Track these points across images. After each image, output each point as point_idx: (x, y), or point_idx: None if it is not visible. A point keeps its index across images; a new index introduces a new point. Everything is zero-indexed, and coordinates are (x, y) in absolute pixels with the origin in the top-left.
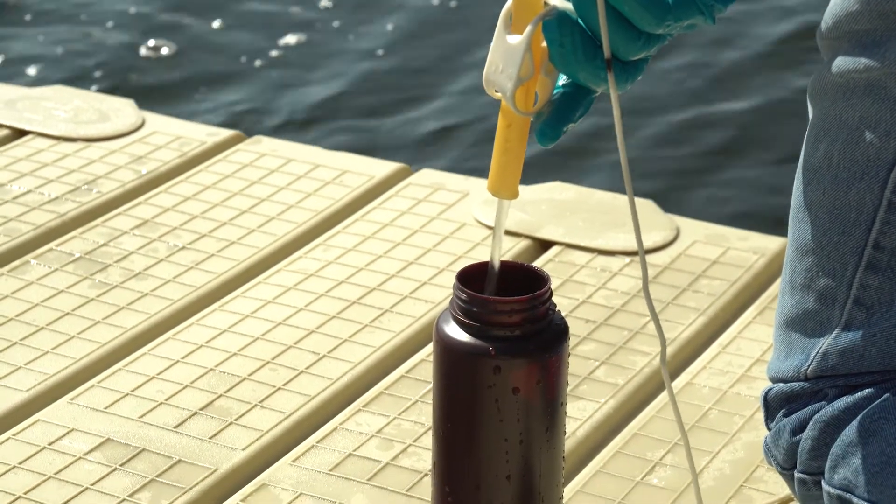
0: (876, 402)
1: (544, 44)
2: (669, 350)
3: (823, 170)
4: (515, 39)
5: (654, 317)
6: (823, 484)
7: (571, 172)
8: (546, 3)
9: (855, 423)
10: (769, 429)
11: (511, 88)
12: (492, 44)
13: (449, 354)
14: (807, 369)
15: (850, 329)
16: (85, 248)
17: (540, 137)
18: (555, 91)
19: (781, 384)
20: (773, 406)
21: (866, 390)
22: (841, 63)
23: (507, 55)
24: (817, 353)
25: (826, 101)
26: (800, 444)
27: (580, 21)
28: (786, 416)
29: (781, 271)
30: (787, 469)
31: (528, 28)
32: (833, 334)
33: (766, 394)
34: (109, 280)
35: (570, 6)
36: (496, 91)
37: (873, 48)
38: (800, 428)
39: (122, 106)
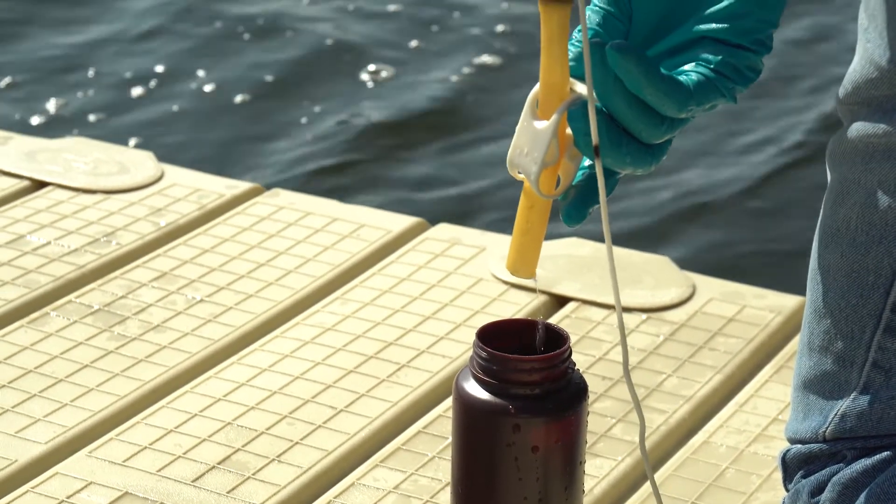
0: (894, 466)
1: (569, 130)
2: (686, 407)
3: (842, 233)
4: (542, 125)
5: (635, 401)
6: None
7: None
8: (572, 91)
9: (873, 485)
10: (787, 489)
11: (536, 172)
12: (517, 127)
13: (468, 412)
14: (825, 431)
15: (869, 392)
16: (104, 301)
17: (566, 219)
18: (579, 173)
19: (800, 445)
20: (792, 467)
21: (885, 453)
22: (860, 128)
23: (533, 139)
24: (835, 415)
25: (845, 166)
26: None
27: (604, 108)
28: (804, 477)
29: (798, 330)
30: None
31: (555, 116)
32: (851, 397)
33: (784, 455)
34: (128, 332)
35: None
36: (519, 173)
37: (892, 114)
38: (818, 490)
39: (142, 158)
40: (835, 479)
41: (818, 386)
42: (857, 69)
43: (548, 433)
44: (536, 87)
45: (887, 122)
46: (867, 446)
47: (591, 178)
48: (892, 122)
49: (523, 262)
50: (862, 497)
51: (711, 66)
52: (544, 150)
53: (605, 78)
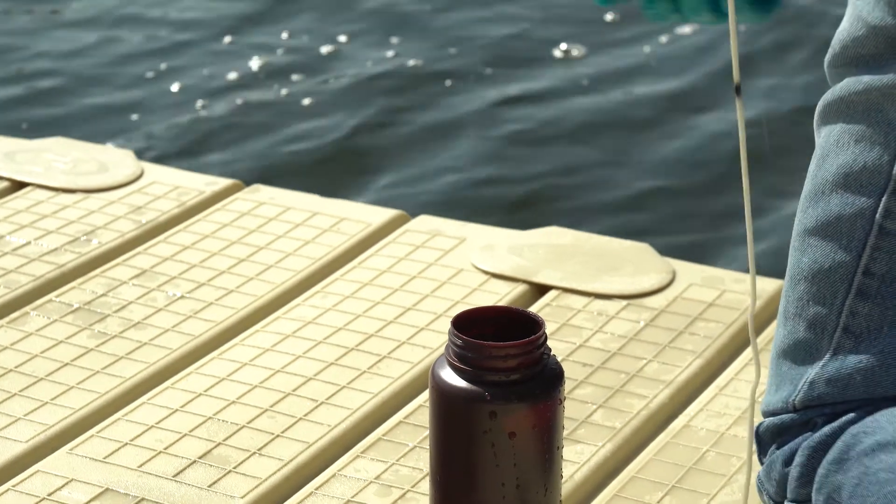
0: (855, 424)
1: None
2: (667, 392)
3: (818, 195)
4: None
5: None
6: None
7: (567, 217)
8: None
9: (837, 442)
10: (762, 463)
11: None
12: None
13: (445, 400)
14: (795, 399)
15: (837, 357)
16: (84, 299)
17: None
18: None
19: (772, 418)
20: (766, 440)
21: (850, 414)
22: (843, 85)
23: None
24: (804, 382)
25: (826, 128)
26: (790, 472)
27: None
28: (777, 448)
29: (777, 313)
30: (778, 502)
31: None
32: (821, 363)
33: (758, 429)
34: (108, 330)
35: None
36: None
37: (875, 69)
38: (790, 459)
39: (122, 157)
40: (805, 444)
41: (791, 355)
42: (845, 27)
43: (524, 419)
44: None
45: (869, 75)
46: (836, 412)
47: None
48: (873, 75)
49: None
50: (828, 456)
51: None
52: None
53: None
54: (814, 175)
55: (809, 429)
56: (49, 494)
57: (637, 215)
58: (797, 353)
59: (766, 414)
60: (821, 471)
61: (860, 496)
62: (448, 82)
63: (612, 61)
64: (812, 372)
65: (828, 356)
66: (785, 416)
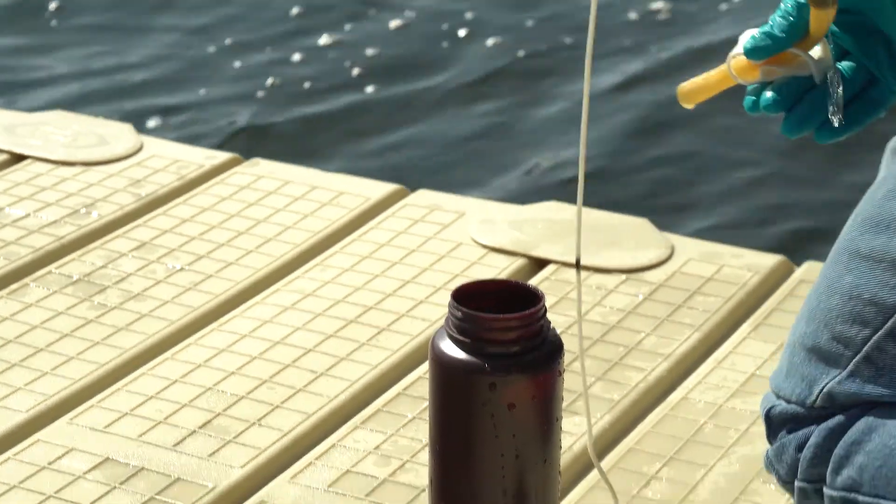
0: (878, 407)
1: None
2: (665, 365)
3: (882, 226)
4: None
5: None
6: (826, 490)
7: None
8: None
9: (858, 423)
10: (770, 443)
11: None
12: None
13: (444, 371)
14: (809, 402)
15: (855, 379)
16: (83, 271)
17: (818, 137)
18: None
19: (784, 404)
20: (776, 423)
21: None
22: None
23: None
24: (821, 390)
25: None
26: (802, 453)
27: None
28: (789, 433)
29: (776, 288)
30: (788, 481)
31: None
32: (836, 378)
33: (769, 411)
34: (108, 302)
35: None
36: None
37: None
38: (803, 444)
39: (121, 130)
40: (822, 426)
41: (809, 353)
42: None
43: (523, 391)
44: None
45: None
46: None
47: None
48: None
49: (688, 97)
50: (846, 435)
51: None
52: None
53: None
54: (881, 204)
55: (824, 419)
56: (49, 464)
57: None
58: (816, 354)
59: (777, 394)
60: (839, 451)
61: (884, 477)
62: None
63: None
64: (827, 380)
65: (844, 374)
66: (799, 410)
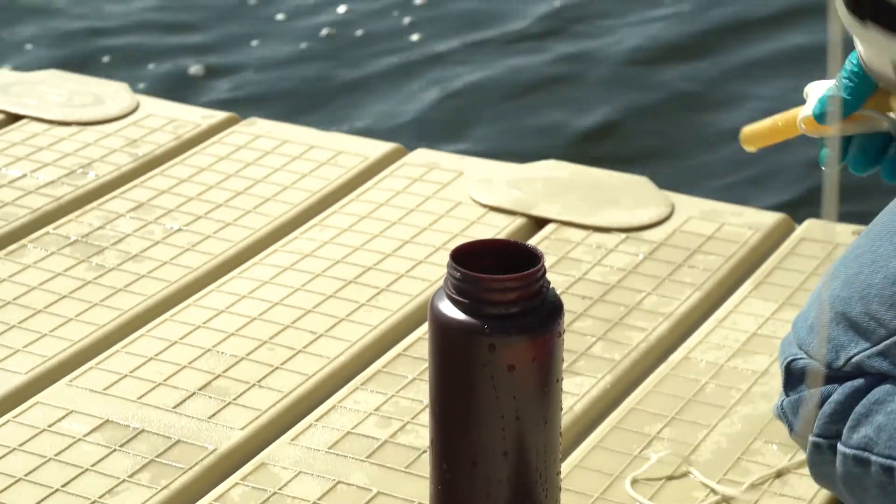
0: None
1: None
2: (666, 325)
3: None
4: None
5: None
6: (839, 446)
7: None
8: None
9: (884, 385)
10: (786, 394)
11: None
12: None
13: (443, 333)
14: (835, 365)
15: (886, 359)
16: (81, 232)
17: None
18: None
19: (808, 361)
20: (796, 377)
21: None
22: None
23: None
24: (850, 359)
25: None
26: (822, 409)
27: None
28: (808, 387)
29: (776, 247)
30: (802, 436)
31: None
32: (868, 352)
33: (790, 364)
34: (106, 263)
35: None
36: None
37: None
38: (824, 401)
39: (117, 89)
40: (846, 384)
41: (840, 317)
42: None
43: (523, 352)
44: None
45: None
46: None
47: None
48: None
49: (752, 141)
50: (869, 395)
51: None
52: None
53: None
54: None
55: (847, 380)
56: (49, 426)
57: None
58: (847, 321)
59: (799, 344)
60: (859, 409)
61: None
62: None
63: None
64: (856, 351)
65: (875, 350)
66: (823, 369)
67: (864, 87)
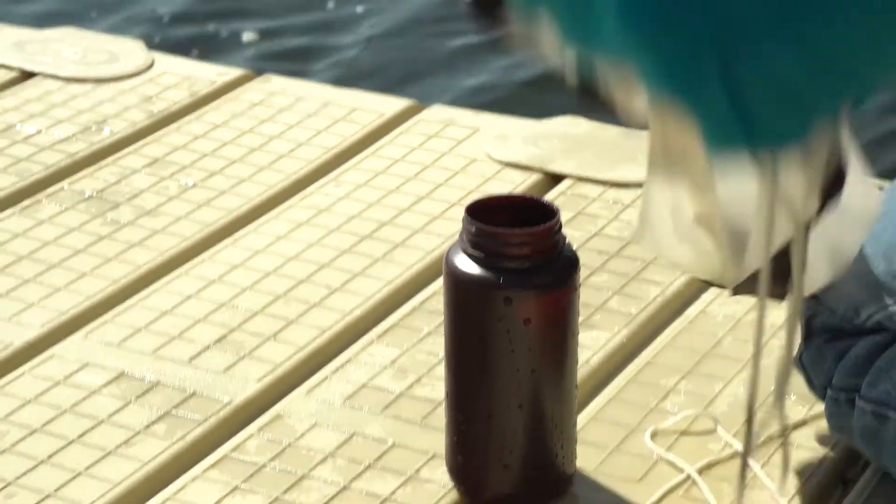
0: None
1: None
2: (682, 278)
3: None
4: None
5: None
6: (858, 400)
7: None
8: None
9: None
10: (806, 346)
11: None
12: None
13: (459, 287)
14: (860, 324)
15: None
16: (96, 187)
17: None
18: None
19: (828, 316)
20: (816, 331)
21: None
22: None
23: None
24: (870, 316)
25: None
26: (841, 362)
27: None
28: (827, 342)
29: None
30: (821, 388)
31: None
32: (889, 311)
33: (810, 319)
34: (121, 218)
35: None
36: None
37: None
38: (842, 355)
39: (132, 47)
40: (868, 338)
41: (862, 275)
42: None
43: (539, 306)
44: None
45: None
46: None
47: None
48: None
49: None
50: (891, 349)
51: None
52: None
53: None
54: None
55: (869, 334)
56: (65, 378)
57: None
58: (867, 279)
59: (823, 292)
60: (880, 363)
61: None
62: None
63: None
64: (876, 310)
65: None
66: (845, 323)
67: None
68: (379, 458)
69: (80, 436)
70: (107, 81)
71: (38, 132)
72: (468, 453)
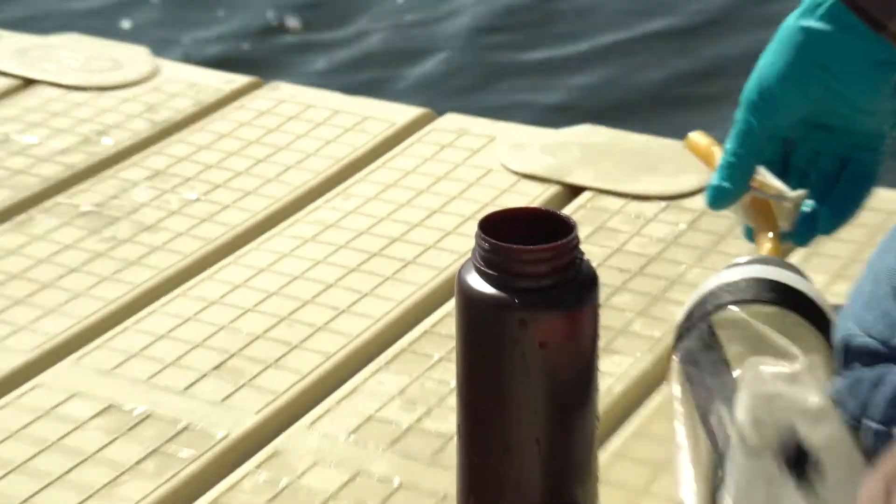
0: None
1: None
2: None
3: None
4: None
5: None
6: None
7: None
8: None
9: None
10: (843, 374)
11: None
12: None
13: (472, 308)
14: (892, 342)
15: None
16: (94, 201)
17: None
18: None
19: (867, 339)
20: (853, 355)
21: None
22: None
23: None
24: None
25: None
26: (878, 390)
27: None
28: (864, 365)
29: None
30: (856, 418)
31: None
32: None
33: (849, 342)
34: (119, 234)
35: None
36: None
37: None
38: (880, 381)
39: (136, 54)
40: None
41: (894, 291)
42: None
43: (556, 328)
44: None
45: None
46: None
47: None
48: None
49: (691, 149)
50: None
51: None
52: None
53: None
54: None
55: None
56: (52, 408)
57: None
58: None
59: (857, 321)
60: None
61: None
62: None
63: None
64: None
65: None
66: (881, 347)
67: (742, 176)
68: (385, 500)
69: (65, 473)
70: (109, 89)
71: (37, 143)
72: (481, 492)
